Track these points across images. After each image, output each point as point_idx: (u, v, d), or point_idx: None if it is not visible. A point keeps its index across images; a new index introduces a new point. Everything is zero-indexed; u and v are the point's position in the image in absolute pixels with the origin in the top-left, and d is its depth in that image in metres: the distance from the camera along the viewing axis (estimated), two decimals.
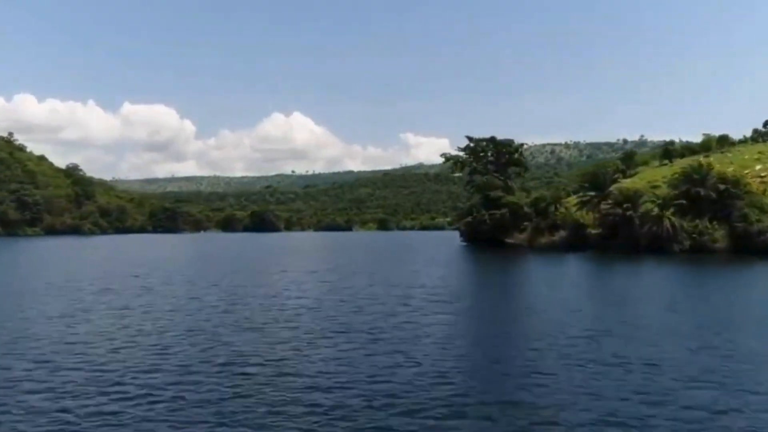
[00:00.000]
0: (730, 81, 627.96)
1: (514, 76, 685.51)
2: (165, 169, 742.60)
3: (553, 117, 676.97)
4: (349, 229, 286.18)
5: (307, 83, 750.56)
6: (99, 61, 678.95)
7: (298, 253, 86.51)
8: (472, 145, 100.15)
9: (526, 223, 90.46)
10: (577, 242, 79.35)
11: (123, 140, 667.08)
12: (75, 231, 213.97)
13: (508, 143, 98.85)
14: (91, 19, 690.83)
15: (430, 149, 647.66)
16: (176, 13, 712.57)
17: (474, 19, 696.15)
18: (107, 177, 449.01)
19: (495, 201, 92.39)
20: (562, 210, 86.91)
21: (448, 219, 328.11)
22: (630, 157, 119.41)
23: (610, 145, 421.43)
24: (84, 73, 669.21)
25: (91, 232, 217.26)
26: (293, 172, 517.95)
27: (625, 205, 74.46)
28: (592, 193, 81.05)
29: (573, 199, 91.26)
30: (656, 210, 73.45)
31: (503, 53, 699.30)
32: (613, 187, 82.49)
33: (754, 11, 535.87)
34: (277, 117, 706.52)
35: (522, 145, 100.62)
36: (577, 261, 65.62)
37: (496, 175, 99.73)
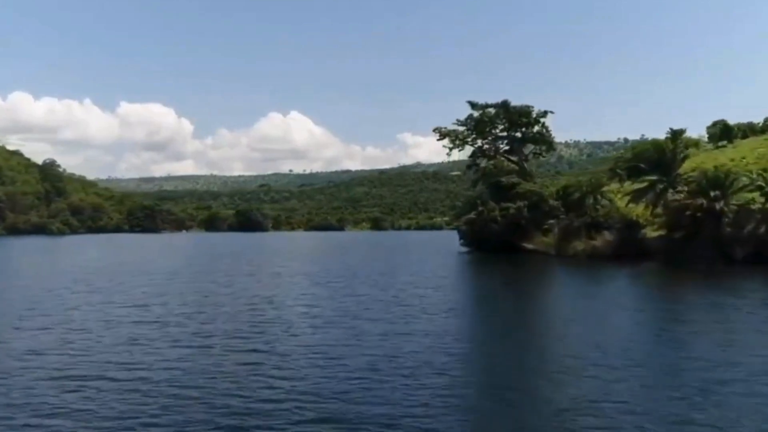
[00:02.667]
0: (730, 79, 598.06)
1: (514, 75, 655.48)
2: (163, 168, 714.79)
3: (553, 116, 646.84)
4: (341, 228, 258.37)
5: (306, 83, 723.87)
6: (96, 59, 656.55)
7: (247, 262, 59.28)
8: (476, 114, 72.17)
9: (551, 222, 62.85)
10: (629, 249, 51.96)
11: (121, 140, 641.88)
12: (41, 230, 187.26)
13: (526, 110, 70.70)
14: (87, 17, 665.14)
15: (428, 149, 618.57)
16: (174, 11, 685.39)
17: (473, 19, 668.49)
18: (104, 176, 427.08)
19: (508, 190, 64.73)
20: (605, 202, 59.18)
21: (446, 218, 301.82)
22: (677, 135, 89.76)
23: (610, 143, 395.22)
24: (80, 72, 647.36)
25: (60, 232, 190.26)
26: (291, 171, 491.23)
27: (713, 194, 46.77)
28: (654, 177, 53.00)
29: (618, 187, 63.38)
30: (761, 201, 46.03)
31: (503, 53, 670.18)
32: (686, 168, 54.96)
33: (753, 10, 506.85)
34: (276, 116, 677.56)
35: (545, 113, 71.43)
36: (641, 280, 38.97)
37: (507, 156, 72.01)
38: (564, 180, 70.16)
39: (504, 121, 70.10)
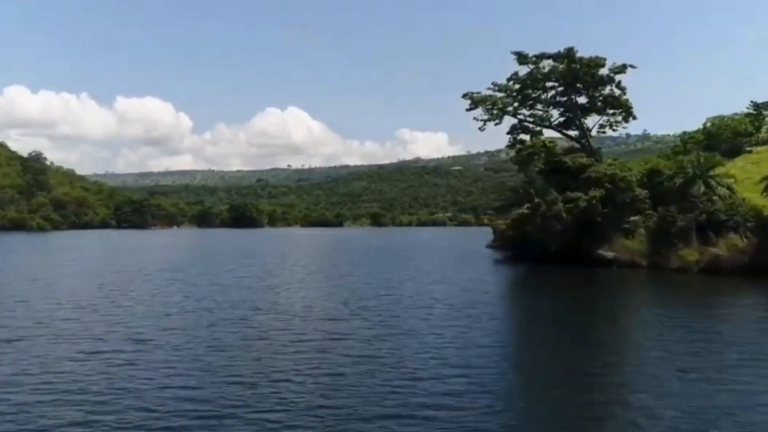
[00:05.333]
0: (728, 74, 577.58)
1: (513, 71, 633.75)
2: (161, 164, 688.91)
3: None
4: (340, 224, 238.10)
5: (304, 78, 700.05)
6: (93, 53, 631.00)
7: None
8: (529, 68, 51.06)
9: (632, 219, 43.11)
10: None
11: (119, 135, 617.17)
12: (20, 226, 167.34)
13: (597, 62, 49.05)
14: (85, 10, 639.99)
15: (427, 145, 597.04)
16: (172, 5, 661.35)
17: (473, 16, 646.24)
18: (101, 171, 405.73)
19: (573, 176, 44.95)
20: (723, 191, 39.40)
21: (449, 214, 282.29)
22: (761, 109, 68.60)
23: (612, 139, 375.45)
24: (77, 66, 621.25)
25: (40, 228, 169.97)
26: (289, 166, 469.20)
27: None
28: None
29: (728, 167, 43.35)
30: None
31: (502, 48, 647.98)
32: None
33: (753, 9, 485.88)
34: (274, 112, 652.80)
35: (624, 67, 49.40)
36: None
37: (562, 130, 52.26)
38: (638, 161, 49.58)
39: (561, 80, 49.56)
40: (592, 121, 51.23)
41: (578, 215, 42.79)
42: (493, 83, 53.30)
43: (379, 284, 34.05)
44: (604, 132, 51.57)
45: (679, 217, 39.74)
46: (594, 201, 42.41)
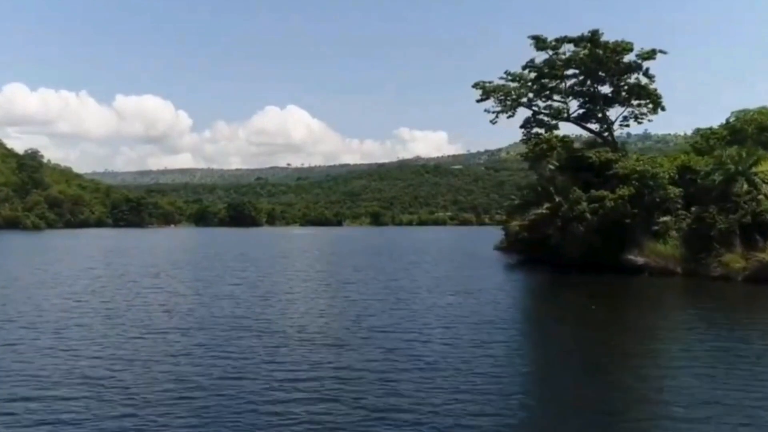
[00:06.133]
0: (726, 76, 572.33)
1: (514, 68, 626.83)
2: (160, 162, 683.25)
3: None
4: (339, 223, 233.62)
5: (303, 76, 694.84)
6: (92, 51, 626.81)
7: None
8: (548, 54, 45.99)
9: (662, 220, 38.68)
10: None
11: (119, 133, 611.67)
12: (14, 225, 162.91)
13: (624, 47, 43.75)
14: (84, 7, 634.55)
15: (427, 144, 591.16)
16: (172, 3, 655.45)
17: (472, 14, 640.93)
18: (100, 170, 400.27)
19: (597, 172, 40.52)
20: None
21: (449, 213, 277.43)
22: None
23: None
24: (76, 64, 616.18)
25: (35, 226, 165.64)
26: (288, 165, 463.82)
27: None
28: None
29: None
30: None
31: (501, 47, 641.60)
32: None
33: (753, 9, 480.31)
34: (273, 110, 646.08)
35: (653, 53, 43.93)
36: None
37: (581, 123, 47.84)
38: (666, 158, 44.83)
39: (582, 67, 44.87)
40: (614, 113, 46.59)
41: (604, 216, 38.30)
42: (506, 72, 48.73)
43: (389, 295, 29.58)
44: (627, 125, 46.87)
45: (719, 218, 35.31)
46: (623, 200, 37.91)
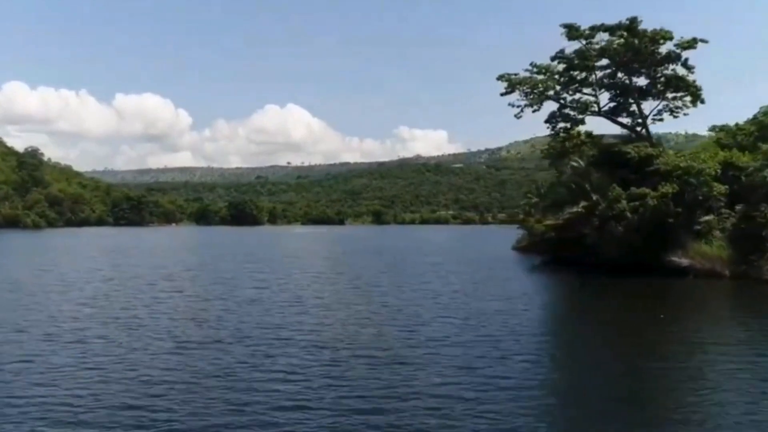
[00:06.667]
0: (735, 74, 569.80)
1: (514, 66, 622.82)
2: (160, 160, 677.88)
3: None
4: (341, 222, 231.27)
5: (303, 75, 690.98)
6: (92, 50, 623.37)
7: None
8: (582, 44, 42.85)
9: (705, 219, 36.45)
10: None
11: (119, 132, 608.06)
12: (14, 223, 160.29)
13: (663, 35, 40.76)
14: (84, 5, 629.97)
15: (427, 142, 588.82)
16: (172, 2, 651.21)
17: (472, 12, 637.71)
18: (100, 168, 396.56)
19: (635, 168, 38.24)
20: None
21: (451, 212, 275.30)
22: None
23: (617, 137, 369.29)
24: (77, 63, 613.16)
25: (35, 225, 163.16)
26: (288, 163, 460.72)
27: None
28: None
29: None
30: None
31: (503, 45, 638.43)
32: None
33: (753, 9, 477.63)
34: (273, 109, 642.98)
35: (694, 41, 40.62)
36: None
37: (612, 117, 45.52)
38: (702, 152, 42.17)
39: (617, 57, 42.38)
40: (647, 106, 44.13)
41: (645, 215, 36.01)
42: (531, 64, 46.29)
43: (428, 300, 27.29)
44: (660, 119, 44.43)
45: None
46: (666, 198, 35.63)
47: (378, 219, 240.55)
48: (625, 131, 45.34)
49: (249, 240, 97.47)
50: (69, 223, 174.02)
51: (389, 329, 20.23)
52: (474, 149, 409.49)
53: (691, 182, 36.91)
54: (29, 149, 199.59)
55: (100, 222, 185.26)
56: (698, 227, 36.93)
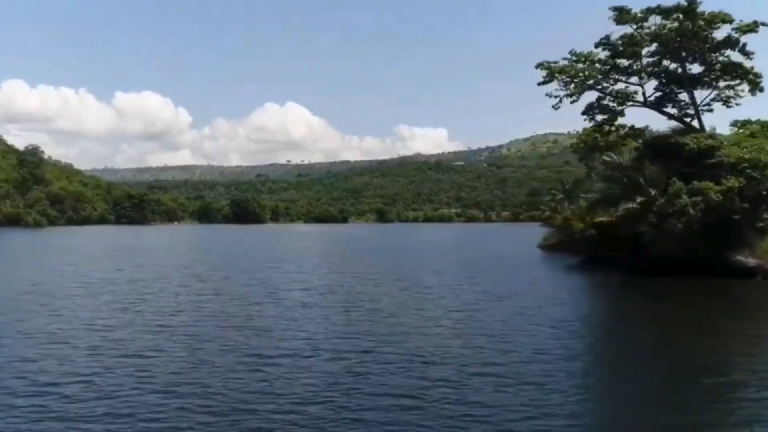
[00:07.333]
0: None
1: (514, 64, 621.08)
2: (160, 159, 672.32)
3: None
4: (344, 220, 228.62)
5: (303, 73, 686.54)
6: (92, 49, 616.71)
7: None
8: (633, 28, 40.01)
9: None
10: None
11: (118, 130, 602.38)
12: (15, 222, 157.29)
13: (722, 18, 37.84)
14: (83, 5, 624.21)
15: (427, 140, 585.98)
16: (171, 0, 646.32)
17: (473, 10, 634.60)
18: (100, 166, 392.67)
19: (692, 161, 35.70)
20: None
21: (454, 210, 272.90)
22: None
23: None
24: (76, 61, 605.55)
25: (37, 223, 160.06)
26: (288, 162, 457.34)
27: None
28: None
29: None
30: None
31: (502, 43, 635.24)
32: None
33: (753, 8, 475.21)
34: (273, 107, 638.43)
35: (755, 24, 37.60)
36: None
37: (658, 107, 42.94)
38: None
39: (669, 43, 39.68)
40: (698, 95, 41.35)
41: (708, 211, 33.51)
42: (570, 52, 43.72)
43: (486, 305, 24.78)
44: (710, 110, 41.82)
45: None
46: (731, 193, 33.15)
47: (381, 217, 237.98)
48: (673, 122, 42.64)
49: (258, 238, 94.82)
50: (70, 222, 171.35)
51: (480, 339, 17.63)
52: (474, 147, 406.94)
53: (754, 176, 34.41)
54: (29, 147, 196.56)
55: (101, 220, 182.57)
56: (761, 224, 34.49)
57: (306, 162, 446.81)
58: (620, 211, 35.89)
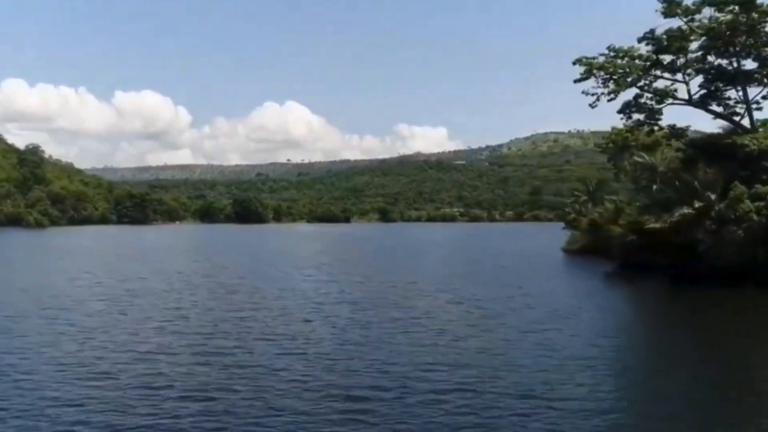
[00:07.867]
0: None
1: (513, 64, 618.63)
2: (160, 158, 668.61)
3: (557, 106, 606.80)
4: (347, 220, 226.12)
5: (302, 72, 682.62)
6: (92, 48, 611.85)
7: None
8: (683, 20, 37.28)
9: None
10: None
11: (118, 129, 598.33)
12: (16, 222, 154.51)
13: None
14: (83, 4, 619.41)
15: (427, 140, 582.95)
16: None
17: (473, 9, 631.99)
18: (100, 166, 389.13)
19: (746, 162, 33.43)
20: None
21: (456, 209, 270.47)
22: None
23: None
24: (76, 60, 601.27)
25: (38, 223, 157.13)
26: (289, 161, 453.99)
27: None
28: None
29: None
30: None
31: (502, 43, 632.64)
32: None
33: None
34: (272, 106, 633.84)
35: None
36: None
37: (704, 105, 40.64)
38: None
39: (721, 36, 37.37)
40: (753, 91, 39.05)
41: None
42: (608, 48, 41.47)
43: (537, 315, 22.44)
44: (759, 108, 39.50)
45: None
46: None
47: (384, 217, 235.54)
48: (722, 122, 40.27)
49: (267, 240, 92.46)
50: (72, 222, 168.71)
51: (584, 371, 15.30)
52: (475, 146, 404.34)
53: None
54: (30, 146, 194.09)
55: (103, 220, 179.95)
56: None
57: (306, 161, 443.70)
58: (675, 217, 33.50)
